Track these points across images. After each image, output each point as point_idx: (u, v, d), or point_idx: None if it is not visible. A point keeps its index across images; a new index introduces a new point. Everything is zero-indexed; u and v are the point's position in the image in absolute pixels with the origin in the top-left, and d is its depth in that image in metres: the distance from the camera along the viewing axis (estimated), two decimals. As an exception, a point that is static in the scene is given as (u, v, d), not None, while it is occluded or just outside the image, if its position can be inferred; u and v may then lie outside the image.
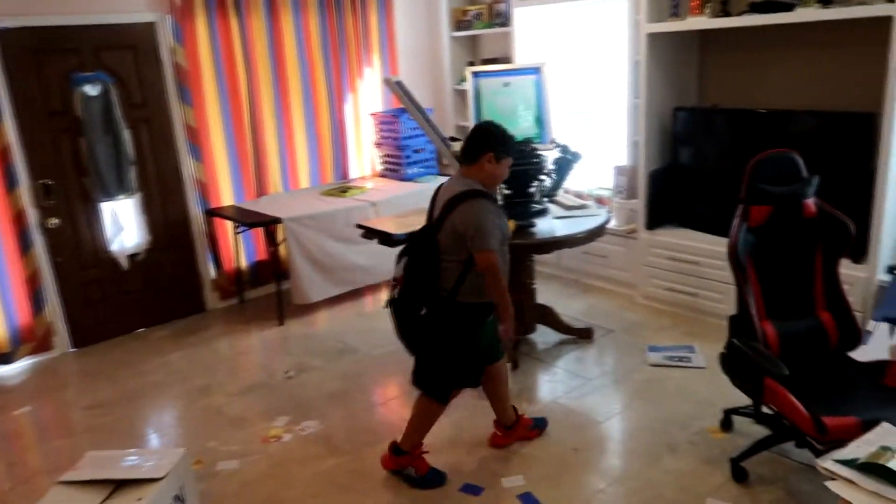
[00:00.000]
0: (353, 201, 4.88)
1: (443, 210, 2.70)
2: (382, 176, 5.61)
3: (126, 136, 4.34)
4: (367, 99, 5.50)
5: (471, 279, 2.69)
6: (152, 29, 4.44)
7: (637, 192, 4.57)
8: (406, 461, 2.90)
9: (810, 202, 2.79)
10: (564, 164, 3.84)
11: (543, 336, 4.18)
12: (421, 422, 2.90)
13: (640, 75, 4.30)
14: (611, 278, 4.84)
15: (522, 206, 3.81)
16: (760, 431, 2.94)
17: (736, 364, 2.76)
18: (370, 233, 3.85)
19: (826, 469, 1.54)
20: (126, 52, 4.37)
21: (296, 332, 4.56)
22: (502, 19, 5.33)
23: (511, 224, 3.55)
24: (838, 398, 2.53)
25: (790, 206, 2.76)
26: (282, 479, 2.99)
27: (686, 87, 4.48)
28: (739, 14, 3.80)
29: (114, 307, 4.55)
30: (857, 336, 2.77)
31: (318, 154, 5.32)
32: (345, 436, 3.28)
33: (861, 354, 2.84)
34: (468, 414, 3.37)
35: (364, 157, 5.62)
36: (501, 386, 3.08)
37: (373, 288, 5.12)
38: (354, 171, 5.57)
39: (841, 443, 2.39)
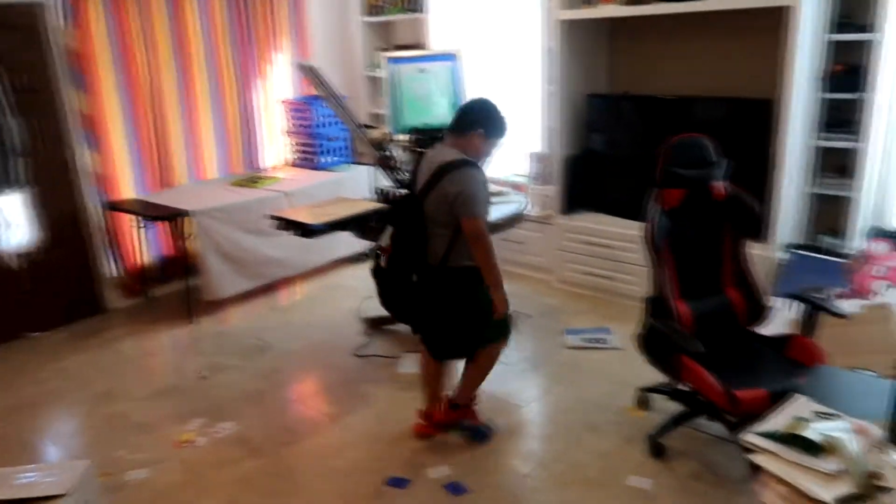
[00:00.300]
0: (266, 192, 4.70)
1: (431, 178, 2.68)
2: (295, 165, 5.44)
3: (13, 125, 3.99)
4: (277, 85, 5.30)
5: (460, 246, 2.70)
6: (40, 10, 4.09)
7: (552, 179, 4.63)
8: (460, 415, 3.01)
9: (720, 185, 2.88)
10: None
11: (464, 324, 4.17)
12: (478, 375, 2.96)
13: (555, 62, 4.34)
14: (528, 264, 4.89)
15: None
16: (675, 408, 3.04)
17: (653, 344, 2.84)
18: (285, 224, 3.71)
19: (748, 443, 1.59)
20: (10, 33, 4.00)
21: (208, 330, 4.35)
22: (416, 5, 5.25)
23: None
24: (747, 372, 2.64)
25: (702, 189, 2.85)
26: (197, 485, 2.84)
27: (598, 75, 4.56)
28: (650, 2, 3.89)
29: (2, 310, 4.20)
30: (762, 312, 2.90)
31: (225, 143, 5.09)
32: (263, 436, 3.15)
33: (765, 329, 2.99)
34: (388, 407, 3.32)
35: (275, 147, 5.43)
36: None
37: (288, 281, 4.96)
38: (265, 161, 5.37)
39: (752, 415, 2.52)
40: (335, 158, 5.33)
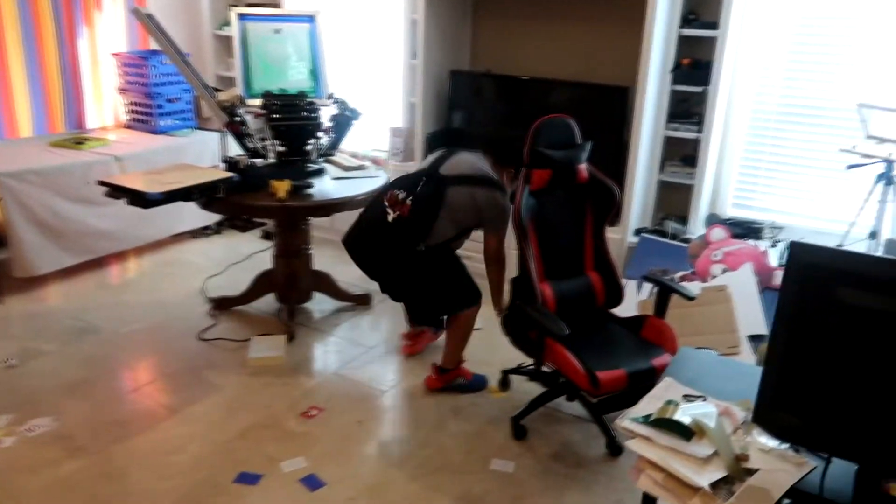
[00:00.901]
0: (93, 155, 4.15)
1: (467, 175, 2.91)
2: (129, 127, 4.87)
3: None
4: (107, 36, 4.70)
5: (458, 243, 3.09)
6: None
7: (413, 155, 4.51)
8: (452, 376, 3.11)
9: (583, 167, 2.91)
10: (343, 121, 3.61)
11: (320, 304, 3.96)
12: (458, 340, 3.08)
13: (418, 35, 4.20)
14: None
15: (298, 166, 3.52)
16: (535, 389, 3.06)
17: (517, 325, 2.82)
18: (117, 192, 3.26)
19: (625, 429, 1.57)
20: None
21: (19, 310, 3.78)
22: (270, -40, 4.87)
23: (285, 184, 3.27)
24: (606, 353, 2.69)
25: (568, 171, 2.85)
26: (5, 493, 2.42)
27: (462, 51, 4.49)
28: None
29: None
30: (619, 294, 2.98)
31: (43, 98, 4.43)
32: (88, 433, 2.77)
33: (619, 311, 3.08)
34: (238, 395, 3.05)
35: (105, 105, 4.83)
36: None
37: (120, 256, 4.45)
38: (93, 121, 4.76)
39: (611, 394, 2.57)
40: (176, 122, 4.84)
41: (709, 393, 1.73)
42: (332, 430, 2.85)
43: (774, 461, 1.47)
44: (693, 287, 3.46)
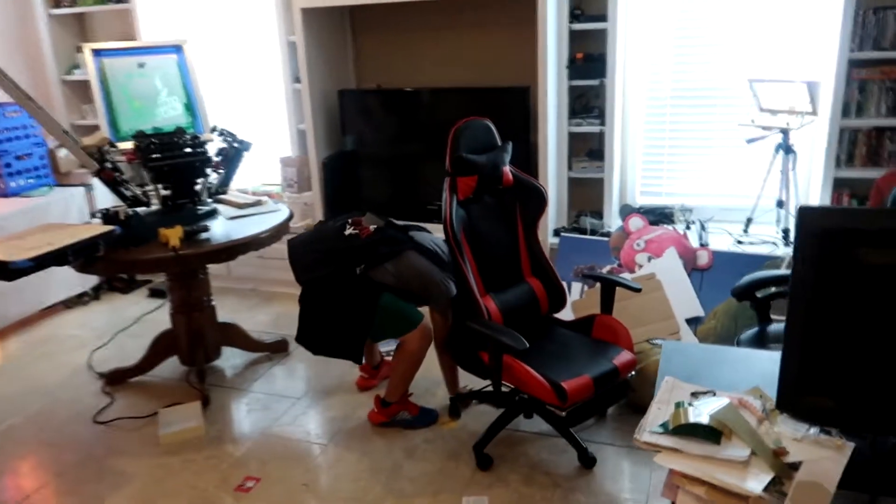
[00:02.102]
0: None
1: (432, 251, 2.77)
2: (-29, 193, 4.21)
3: None
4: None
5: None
6: None
7: (310, 184, 4.21)
8: (395, 409, 2.87)
9: (507, 170, 2.75)
10: (233, 155, 3.26)
11: (230, 359, 3.56)
12: (403, 371, 2.83)
13: (299, 57, 3.92)
14: (290, 281, 4.38)
15: (187, 209, 3.14)
16: (489, 411, 2.86)
17: (465, 347, 2.59)
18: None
19: (646, 443, 1.38)
20: None
21: None
22: (118, -7, 4.42)
23: (177, 230, 2.89)
24: (563, 361, 2.53)
25: (493, 176, 2.68)
26: None
27: (345, 70, 4.26)
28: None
29: None
30: (563, 298, 2.83)
31: None
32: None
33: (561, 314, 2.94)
34: (152, 482, 2.61)
35: (-61, 171, 4.15)
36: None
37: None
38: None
39: (577, 405, 2.39)
40: (30, 181, 4.23)
41: (712, 386, 1.59)
42: (276, 501, 2.49)
43: (812, 449, 1.33)
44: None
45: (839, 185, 3.47)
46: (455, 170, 2.59)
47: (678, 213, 3.88)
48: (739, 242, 3.58)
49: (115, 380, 3.36)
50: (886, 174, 3.16)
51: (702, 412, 1.45)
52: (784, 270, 3.11)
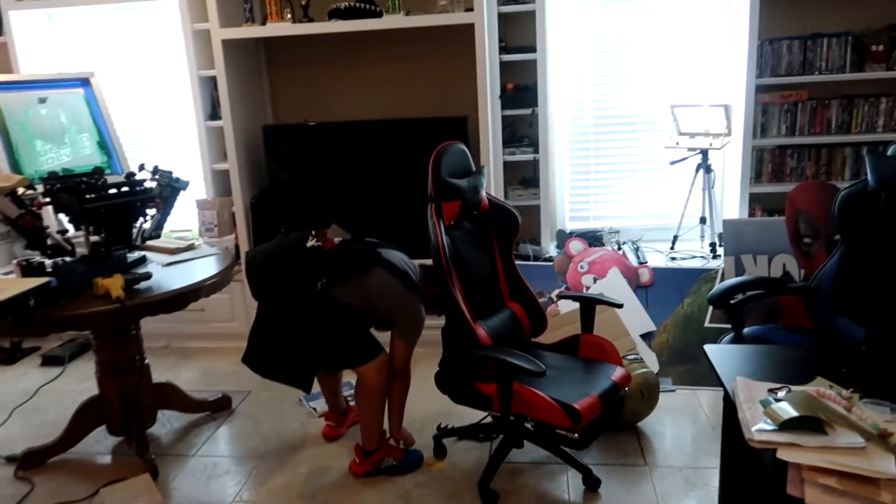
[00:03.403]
0: None
1: (402, 271, 2.60)
2: None
3: None
4: None
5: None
6: None
7: (231, 227, 3.93)
8: (378, 457, 2.66)
9: (483, 195, 2.71)
10: (168, 195, 2.95)
11: (166, 424, 3.18)
12: (370, 410, 2.61)
13: (221, 92, 3.68)
14: (216, 334, 4.03)
15: (118, 256, 2.79)
16: (474, 447, 2.77)
17: (460, 379, 2.49)
18: None
19: (761, 442, 1.36)
20: None
21: None
22: (-8, 25, 3.93)
23: (117, 280, 2.56)
24: (565, 383, 2.48)
25: (473, 200, 2.63)
26: None
27: (261, 106, 4.07)
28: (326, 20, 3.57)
29: None
30: (543, 321, 2.81)
31: None
32: None
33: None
34: None
35: None
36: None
37: None
38: None
39: (588, 427, 2.36)
40: None
41: (776, 381, 1.62)
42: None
43: (907, 427, 1.39)
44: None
45: (752, 201, 3.78)
46: (438, 195, 2.51)
47: (607, 236, 4.04)
48: (673, 259, 3.77)
49: (30, 462, 2.86)
50: (797, 187, 3.48)
51: (790, 407, 1.47)
52: (749, 276, 3.32)
